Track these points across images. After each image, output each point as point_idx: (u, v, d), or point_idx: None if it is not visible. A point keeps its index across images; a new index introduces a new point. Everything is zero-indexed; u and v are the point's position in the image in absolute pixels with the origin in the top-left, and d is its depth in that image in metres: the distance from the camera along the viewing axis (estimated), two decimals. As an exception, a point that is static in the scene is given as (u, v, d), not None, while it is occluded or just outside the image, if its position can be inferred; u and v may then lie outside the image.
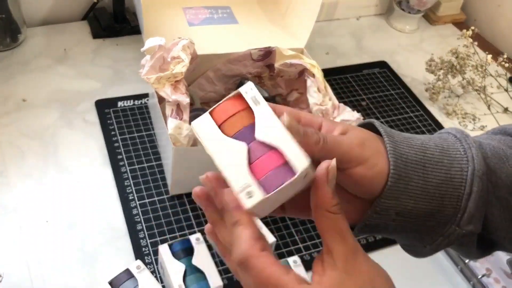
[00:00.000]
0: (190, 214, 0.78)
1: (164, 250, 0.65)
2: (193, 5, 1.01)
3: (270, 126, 0.35)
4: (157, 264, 0.71)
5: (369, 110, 1.04)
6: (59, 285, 0.67)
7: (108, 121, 0.90)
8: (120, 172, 0.82)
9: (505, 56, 1.04)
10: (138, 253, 0.71)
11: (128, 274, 0.62)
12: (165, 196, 0.79)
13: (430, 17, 1.34)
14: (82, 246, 0.72)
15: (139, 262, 0.63)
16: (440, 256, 0.79)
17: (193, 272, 0.63)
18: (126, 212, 0.76)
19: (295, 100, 0.92)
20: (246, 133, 0.36)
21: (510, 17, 1.30)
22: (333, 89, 0.94)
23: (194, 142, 0.73)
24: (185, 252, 0.65)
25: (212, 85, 0.90)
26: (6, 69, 0.96)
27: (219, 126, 0.36)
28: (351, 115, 0.78)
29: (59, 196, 0.77)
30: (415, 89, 1.12)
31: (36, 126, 0.87)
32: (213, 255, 0.68)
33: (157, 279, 0.63)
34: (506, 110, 1.10)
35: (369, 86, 1.10)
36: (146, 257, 0.71)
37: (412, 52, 1.23)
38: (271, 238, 0.70)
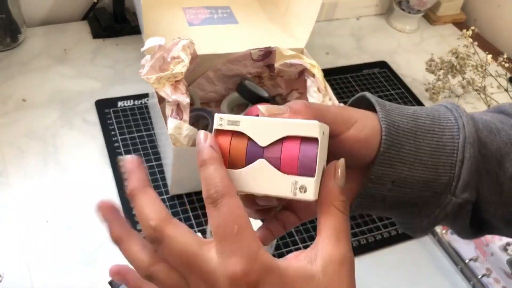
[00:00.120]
0: (190, 214, 0.78)
1: (164, 250, 0.65)
2: (193, 5, 1.01)
3: (263, 127, 0.35)
4: (157, 264, 0.71)
5: (369, 110, 1.04)
6: (59, 285, 0.67)
7: (108, 121, 0.90)
8: (120, 172, 0.81)
9: (505, 56, 1.04)
10: (138, 253, 0.71)
11: (128, 274, 0.62)
12: (165, 196, 0.79)
13: (430, 17, 1.34)
14: (82, 246, 0.72)
15: (139, 262, 0.63)
16: (440, 256, 0.79)
17: (193, 272, 0.63)
18: (126, 212, 0.76)
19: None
20: (253, 151, 0.35)
21: (510, 17, 1.30)
22: (333, 89, 0.94)
23: (194, 142, 0.73)
24: (185, 252, 0.65)
25: (212, 85, 0.90)
26: (6, 69, 0.96)
27: (229, 168, 0.36)
28: (351, 115, 0.78)
29: (59, 196, 0.77)
30: (415, 89, 1.12)
31: (36, 126, 0.87)
32: (213, 255, 0.68)
33: (157, 279, 0.63)
34: (506, 110, 1.10)
35: (369, 86, 1.10)
36: (146, 257, 0.71)
37: (412, 52, 1.23)
38: None
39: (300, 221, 0.42)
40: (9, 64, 0.97)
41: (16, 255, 0.69)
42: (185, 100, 0.73)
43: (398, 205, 0.40)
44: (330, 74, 1.09)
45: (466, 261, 0.76)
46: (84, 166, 0.82)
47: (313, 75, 0.83)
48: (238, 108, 0.90)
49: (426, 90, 1.11)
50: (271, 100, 0.87)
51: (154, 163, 0.84)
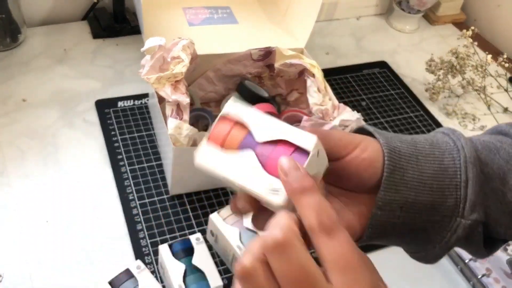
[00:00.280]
0: (190, 214, 0.78)
1: (164, 250, 0.65)
2: (193, 5, 1.01)
3: (265, 125, 0.36)
4: (157, 264, 0.71)
5: (369, 110, 1.04)
6: (59, 285, 0.67)
7: (108, 121, 0.90)
8: (120, 172, 0.82)
9: (505, 56, 1.04)
10: (138, 253, 0.71)
11: (128, 274, 0.62)
12: (165, 196, 0.79)
13: (430, 17, 1.34)
14: (82, 246, 0.72)
15: (139, 262, 0.63)
16: (440, 256, 0.79)
17: (193, 272, 0.63)
18: (126, 212, 0.76)
19: (295, 100, 0.92)
20: (248, 142, 0.36)
21: (510, 17, 1.30)
22: (333, 89, 0.94)
23: (194, 142, 0.73)
24: (185, 252, 0.65)
25: (212, 85, 0.90)
26: (6, 69, 0.96)
27: (221, 147, 0.36)
28: (351, 115, 0.78)
29: (59, 196, 0.77)
30: (415, 89, 1.12)
31: (36, 126, 0.87)
32: (213, 255, 0.68)
33: (157, 279, 0.63)
34: (506, 110, 1.10)
35: (369, 86, 1.10)
36: (146, 257, 0.71)
37: (412, 52, 1.23)
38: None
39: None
40: (9, 64, 0.97)
41: (16, 255, 0.69)
42: (185, 100, 0.73)
43: (408, 232, 0.40)
44: (330, 74, 1.09)
45: (466, 261, 0.76)
46: (84, 166, 0.82)
47: (313, 75, 0.83)
48: (238, 108, 0.90)
49: (426, 90, 1.11)
50: (271, 100, 0.87)
51: (154, 163, 0.84)
